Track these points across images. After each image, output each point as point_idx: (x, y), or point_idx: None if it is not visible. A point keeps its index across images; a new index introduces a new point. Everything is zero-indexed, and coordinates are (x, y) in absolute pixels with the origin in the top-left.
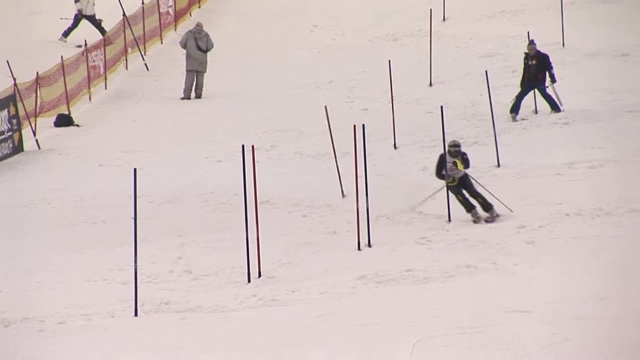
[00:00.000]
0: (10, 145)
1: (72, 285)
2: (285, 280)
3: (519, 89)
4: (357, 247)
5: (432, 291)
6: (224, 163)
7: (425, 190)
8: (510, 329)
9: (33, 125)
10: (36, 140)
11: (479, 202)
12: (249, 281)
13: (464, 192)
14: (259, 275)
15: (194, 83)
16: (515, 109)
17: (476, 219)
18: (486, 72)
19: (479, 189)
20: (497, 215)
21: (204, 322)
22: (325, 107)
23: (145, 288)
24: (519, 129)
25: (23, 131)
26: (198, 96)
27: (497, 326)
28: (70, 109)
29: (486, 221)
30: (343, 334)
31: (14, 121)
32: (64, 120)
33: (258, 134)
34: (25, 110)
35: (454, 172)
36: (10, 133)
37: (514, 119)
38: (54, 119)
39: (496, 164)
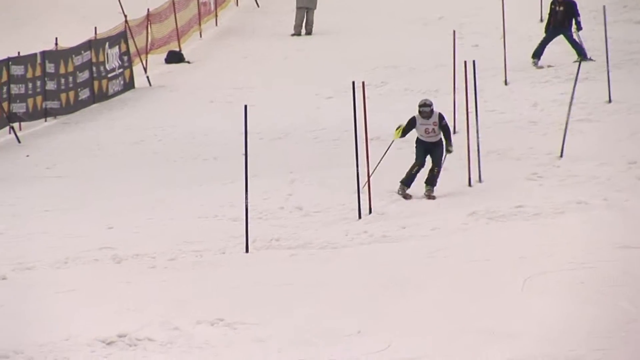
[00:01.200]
0: (122, 82)
1: (183, 222)
2: (396, 216)
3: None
4: (467, 184)
5: (543, 227)
6: (334, 99)
7: (535, 126)
8: (622, 265)
9: (144, 62)
10: (147, 77)
11: (430, 173)
12: (360, 217)
13: (425, 159)
14: (370, 212)
15: (304, 20)
16: (537, 54)
17: (404, 195)
18: (604, 7)
19: (442, 162)
20: (433, 197)
21: (314, 259)
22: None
23: (256, 224)
24: (630, 65)
25: (134, 68)
26: (308, 32)
27: (609, 262)
28: (181, 45)
29: (426, 196)
30: (454, 271)
31: (125, 58)
32: (175, 57)
33: (368, 70)
34: (136, 47)
35: (428, 134)
36: (121, 70)
37: (535, 65)
38: (164, 55)
39: (607, 99)
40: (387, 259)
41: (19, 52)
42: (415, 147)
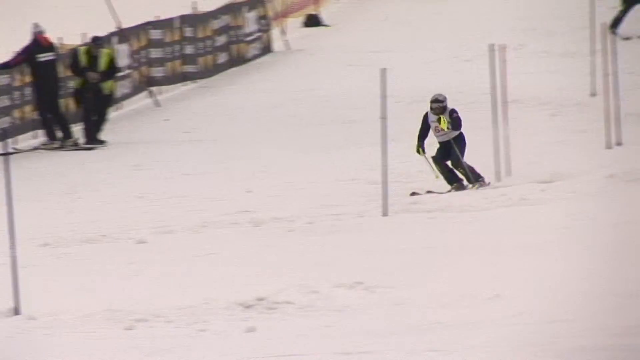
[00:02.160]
0: (260, 46)
1: (320, 185)
2: (535, 179)
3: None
4: (606, 146)
5: None
6: (472, 62)
7: None
8: None
9: (282, 25)
10: (285, 41)
11: (461, 173)
12: (498, 180)
13: (447, 163)
14: (508, 174)
15: None
16: (616, 24)
17: (459, 189)
18: None
19: (464, 159)
20: (488, 184)
21: (453, 222)
22: None
23: (394, 188)
24: None
25: (272, 32)
26: None
27: None
28: (319, 9)
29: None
30: (594, 234)
31: (263, 22)
32: (313, 21)
33: (506, 32)
34: (274, 11)
35: (438, 133)
36: (259, 34)
37: (613, 33)
38: (302, 19)
39: None
40: (526, 222)
41: (157, 17)
42: (435, 154)
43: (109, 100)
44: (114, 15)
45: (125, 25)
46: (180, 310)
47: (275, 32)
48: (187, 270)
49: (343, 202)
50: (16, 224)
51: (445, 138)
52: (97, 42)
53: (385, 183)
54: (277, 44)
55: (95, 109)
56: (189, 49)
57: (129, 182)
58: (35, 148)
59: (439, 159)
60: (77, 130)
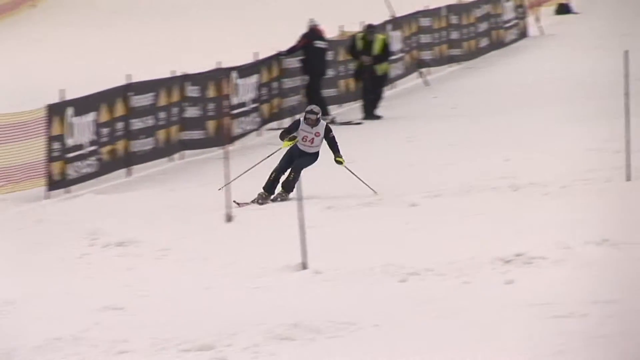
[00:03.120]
0: (516, 32)
1: (571, 154)
2: None
3: None
4: None
5: None
6: None
7: None
8: None
9: (536, 13)
10: (539, 27)
11: (287, 178)
12: None
13: (287, 166)
14: None
15: None
16: None
17: (262, 202)
18: None
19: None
20: (286, 198)
21: None
22: None
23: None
24: None
25: (527, 19)
26: None
27: None
28: None
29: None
30: None
31: (520, 10)
32: (564, 9)
33: None
34: (529, 0)
35: (305, 144)
36: (516, 21)
37: None
38: (554, 7)
39: None
40: None
41: (427, 6)
42: (286, 151)
43: (384, 81)
44: (389, 6)
45: (399, 14)
46: (449, 265)
47: (530, 19)
48: (454, 229)
49: (592, 169)
50: (304, 189)
51: (308, 150)
52: (371, 29)
53: (628, 152)
54: (532, 30)
55: (371, 88)
56: (454, 35)
57: (402, 151)
58: None
59: (286, 159)
60: (357, 107)
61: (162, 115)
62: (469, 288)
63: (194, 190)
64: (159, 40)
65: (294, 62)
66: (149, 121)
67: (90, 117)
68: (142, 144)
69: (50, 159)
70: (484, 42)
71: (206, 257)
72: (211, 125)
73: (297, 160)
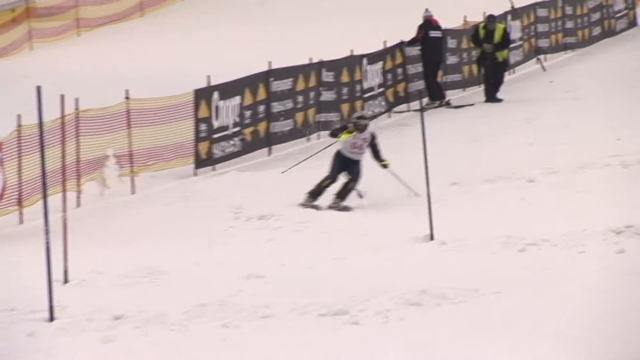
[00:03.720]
0: (626, 21)
1: None
2: None
3: None
4: None
5: None
6: None
7: None
8: None
9: None
10: None
11: (344, 186)
12: None
13: (338, 175)
14: None
15: None
16: None
17: (311, 206)
18: None
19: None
20: (342, 208)
21: None
22: None
23: None
24: None
25: (636, 9)
26: None
27: None
28: None
29: (330, 207)
30: None
31: (629, 1)
32: None
33: None
34: None
35: (353, 151)
36: (626, 11)
37: None
38: None
39: None
40: None
41: None
42: (333, 159)
43: (504, 66)
44: None
45: (518, 5)
46: (563, 236)
47: (639, 10)
48: (569, 203)
49: None
50: (431, 166)
51: (356, 157)
52: (491, 19)
53: None
54: None
55: (493, 73)
56: (569, 24)
57: (520, 132)
58: (422, 108)
59: (337, 168)
60: (479, 91)
61: (300, 98)
62: (582, 257)
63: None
64: (297, 30)
65: (415, 51)
66: (288, 104)
67: (235, 100)
68: (282, 126)
69: (198, 140)
70: (596, 30)
71: (340, 229)
72: (345, 107)
73: (351, 171)
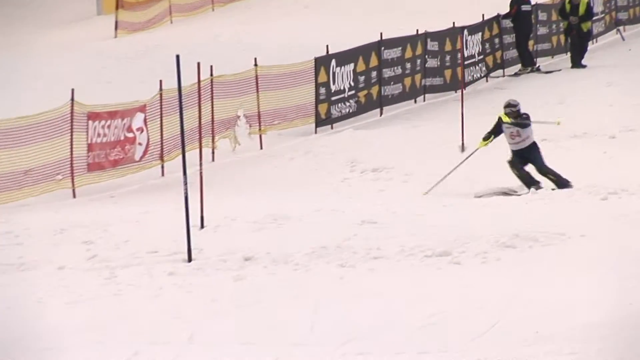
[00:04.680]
0: None
1: None
2: None
3: None
4: None
5: None
6: None
7: None
8: None
9: None
10: None
11: (551, 180)
12: None
13: (525, 168)
14: None
15: None
16: None
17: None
18: None
19: (548, 164)
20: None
21: None
22: None
23: None
24: None
25: None
26: None
27: None
28: None
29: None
30: None
31: None
32: None
33: None
34: None
35: (514, 140)
36: None
37: None
38: None
39: None
40: None
41: None
42: (511, 159)
43: (588, 36)
44: None
45: None
46: None
47: None
48: None
49: None
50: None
51: (522, 145)
52: None
53: None
54: None
55: (578, 43)
56: None
57: (602, 94)
58: (515, 73)
59: (518, 165)
60: (566, 58)
61: (408, 65)
62: None
63: (433, 126)
64: (404, 3)
65: (509, 23)
66: (398, 70)
67: (350, 67)
68: (392, 89)
69: (318, 102)
70: None
71: (447, 179)
72: (447, 73)
73: (534, 162)
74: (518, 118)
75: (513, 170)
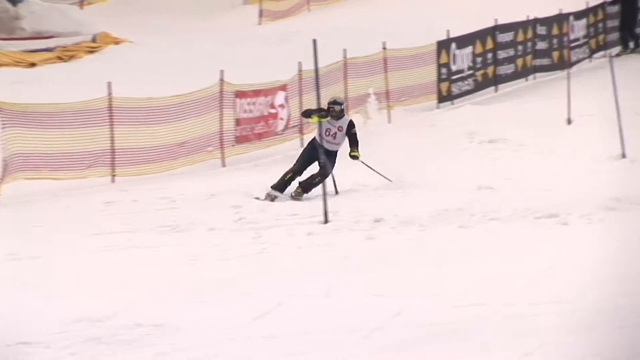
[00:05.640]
0: None
1: None
2: None
3: None
4: None
5: None
6: None
7: None
8: None
9: None
10: None
11: (310, 179)
12: None
13: (304, 168)
14: None
15: None
16: None
17: (272, 200)
18: None
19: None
20: (299, 199)
21: None
22: None
23: None
24: None
25: None
26: None
27: None
28: None
29: (292, 196)
30: None
31: None
32: None
33: None
34: None
35: (327, 138)
36: None
37: None
38: None
39: None
40: None
41: None
42: (304, 148)
43: None
44: None
45: None
46: None
47: None
48: None
49: None
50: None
51: (330, 148)
52: None
53: None
54: None
55: None
56: None
57: None
58: (617, 54)
59: (306, 159)
60: None
61: (520, 47)
62: None
63: (542, 102)
64: None
65: (614, 9)
66: (511, 52)
67: (468, 49)
68: (505, 69)
69: (440, 80)
70: None
71: (552, 150)
72: (555, 54)
73: (323, 164)
74: (341, 119)
75: (297, 160)
